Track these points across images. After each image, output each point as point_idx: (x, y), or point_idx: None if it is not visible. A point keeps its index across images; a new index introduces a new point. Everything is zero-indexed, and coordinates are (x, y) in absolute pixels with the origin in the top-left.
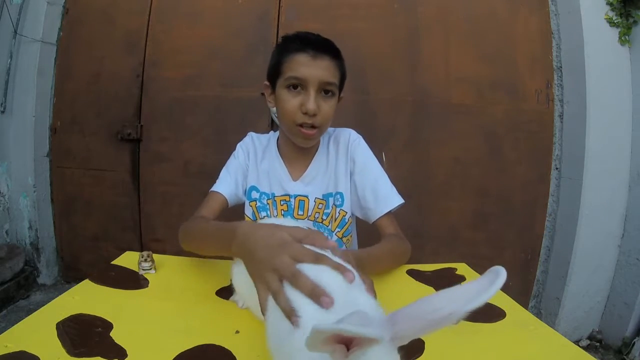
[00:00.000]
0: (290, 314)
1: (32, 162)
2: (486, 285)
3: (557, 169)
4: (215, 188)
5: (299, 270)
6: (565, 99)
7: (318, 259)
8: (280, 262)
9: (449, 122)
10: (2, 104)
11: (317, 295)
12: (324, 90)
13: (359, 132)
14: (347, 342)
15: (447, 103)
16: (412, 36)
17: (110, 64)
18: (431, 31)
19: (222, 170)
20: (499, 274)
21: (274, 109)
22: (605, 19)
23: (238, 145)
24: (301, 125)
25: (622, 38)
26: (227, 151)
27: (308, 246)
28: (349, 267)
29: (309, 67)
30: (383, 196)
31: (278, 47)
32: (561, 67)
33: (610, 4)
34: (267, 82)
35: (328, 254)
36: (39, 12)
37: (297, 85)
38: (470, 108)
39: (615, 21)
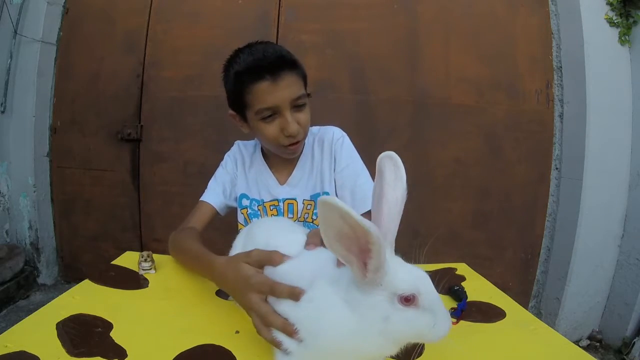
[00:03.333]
0: (277, 345)
1: (32, 162)
2: (393, 168)
3: (557, 169)
4: (204, 198)
5: (269, 310)
6: (565, 99)
7: (272, 291)
8: (249, 301)
9: (449, 122)
10: (2, 104)
11: (289, 333)
12: (296, 104)
13: (359, 132)
14: (365, 257)
15: (447, 103)
16: (412, 36)
17: (110, 64)
18: (431, 31)
19: (210, 180)
20: (391, 156)
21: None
22: (605, 19)
23: (226, 155)
24: (286, 145)
25: (622, 38)
26: (227, 151)
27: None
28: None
29: (274, 93)
30: (360, 198)
31: (232, 77)
32: (561, 67)
33: (610, 4)
34: (232, 112)
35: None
36: (39, 12)
37: (269, 113)
38: (470, 108)
39: (615, 21)
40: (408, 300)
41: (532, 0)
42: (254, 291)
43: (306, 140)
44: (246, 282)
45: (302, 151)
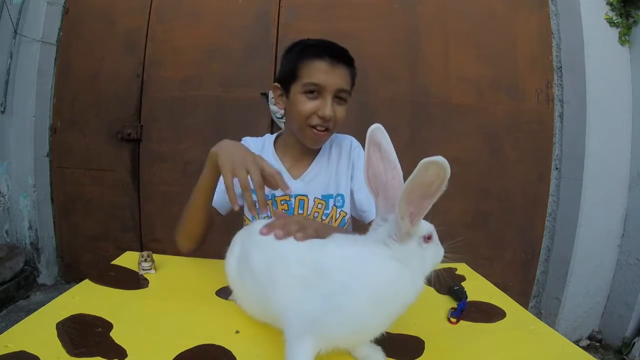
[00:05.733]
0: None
1: (32, 162)
2: (385, 141)
3: (557, 169)
4: None
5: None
6: (565, 99)
7: (263, 167)
8: (251, 163)
9: (449, 122)
10: (2, 104)
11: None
12: (339, 95)
13: (359, 132)
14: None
15: (447, 103)
16: (412, 36)
17: (110, 64)
18: (431, 31)
19: None
20: (380, 129)
21: (275, 108)
22: (605, 19)
23: None
24: (314, 127)
25: (622, 38)
26: None
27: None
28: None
29: (327, 75)
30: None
31: (295, 51)
32: (561, 67)
33: (610, 4)
34: (277, 84)
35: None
36: (39, 12)
37: (313, 90)
38: (470, 108)
39: (615, 21)
40: (428, 238)
41: (532, 0)
42: (257, 163)
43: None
44: (258, 156)
45: (319, 150)
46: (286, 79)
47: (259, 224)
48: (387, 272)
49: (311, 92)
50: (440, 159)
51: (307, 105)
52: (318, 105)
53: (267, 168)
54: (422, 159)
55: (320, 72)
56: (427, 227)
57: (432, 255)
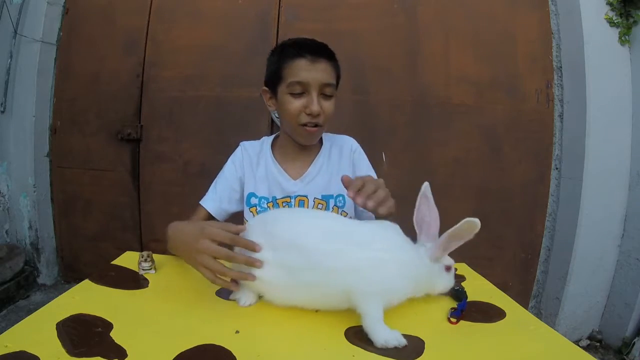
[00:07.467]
0: (247, 276)
1: (32, 162)
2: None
3: (557, 169)
4: (202, 202)
5: (223, 249)
6: (565, 99)
7: (233, 240)
8: (202, 243)
9: (449, 122)
10: (2, 104)
11: (252, 248)
12: (324, 91)
13: (359, 132)
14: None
15: (447, 103)
16: (412, 36)
17: (110, 64)
18: (431, 31)
19: (211, 184)
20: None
21: (274, 111)
22: (605, 19)
23: (229, 159)
24: (304, 125)
25: (622, 38)
26: (227, 151)
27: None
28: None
29: (309, 71)
30: None
31: (276, 53)
32: (561, 67)
33: (610, 4)
34: (265, 88)
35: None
36: (39, 12)
37: (299, 88)
38: (470, 108)
39: (615, 21)
40: (448, 268)
41: (532, 0)
42: (208, 237)
43: (324, 143)
44: (201, 229)
45: (319, 151)
46: (272, 82)
47: (274, 214)
48: (418, 266)
49: (297, 90)
50: (476, 221)
51: (295, 104)
52: (305, 103)
53: (221, 233)
54: (422, 159)
55: (302, 69)
56: (450, 261)
57: (445, 280)
